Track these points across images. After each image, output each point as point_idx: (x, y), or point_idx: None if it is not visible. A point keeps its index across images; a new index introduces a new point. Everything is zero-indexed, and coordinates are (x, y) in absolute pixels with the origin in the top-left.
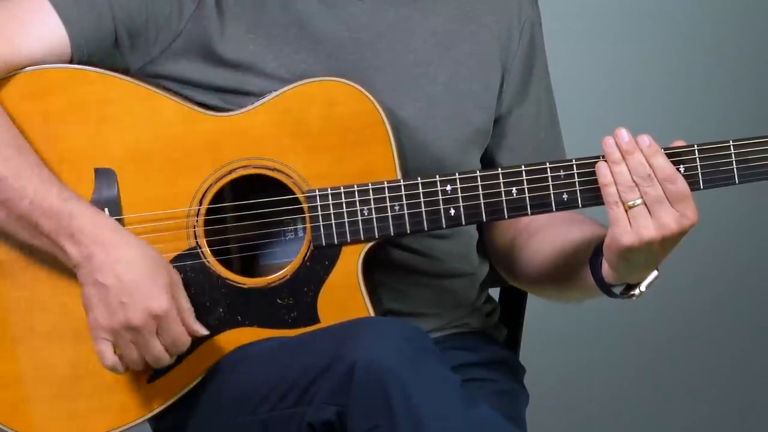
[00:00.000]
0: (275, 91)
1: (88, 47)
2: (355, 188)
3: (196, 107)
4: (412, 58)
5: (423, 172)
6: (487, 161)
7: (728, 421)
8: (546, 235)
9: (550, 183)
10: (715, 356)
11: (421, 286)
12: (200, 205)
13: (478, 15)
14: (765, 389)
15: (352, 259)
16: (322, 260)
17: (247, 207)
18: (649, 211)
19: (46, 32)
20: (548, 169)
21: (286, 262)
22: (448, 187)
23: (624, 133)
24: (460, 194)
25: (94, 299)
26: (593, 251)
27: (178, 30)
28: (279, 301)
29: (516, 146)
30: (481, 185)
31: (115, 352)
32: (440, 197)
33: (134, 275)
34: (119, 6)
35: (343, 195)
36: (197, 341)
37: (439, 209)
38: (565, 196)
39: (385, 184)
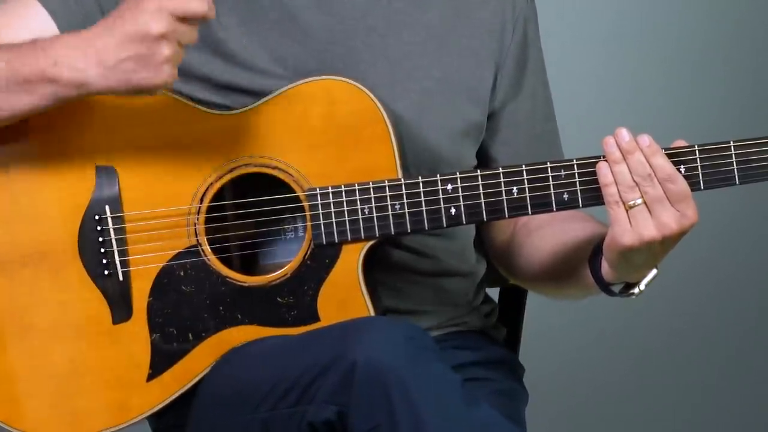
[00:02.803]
0: (271, 89)
1: None
2: (356, 187)
3: (197, 105)
4: (406, 51)
5: (417, 165)
6: (483, 155)
7: (728, 421)
8: (546, 233)
9: (551, 182)
10: (716, 356)
11: (419, 284)
12: (201, 203)
13: (472, 9)
14: (765, 388)
15: (352, 258)
16: (322, 259)
17: (248, 205)
18: (649, 210)
19: (36, 29)
20: (549, 169)
21: (287, 260)
22: (449, 186)
23: (624, 133)
24: (460, 193)
25: (131, 66)
26: (593, 250)
27: None
28: (279, 299)
29: (510, 140)
30: (482, 184)
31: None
32: (441, 196)
33: (124, 28)
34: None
35: (343, 193)
36: (205, 332)
37: (440, 208)
38: (565, 195)
39: (386, 183)
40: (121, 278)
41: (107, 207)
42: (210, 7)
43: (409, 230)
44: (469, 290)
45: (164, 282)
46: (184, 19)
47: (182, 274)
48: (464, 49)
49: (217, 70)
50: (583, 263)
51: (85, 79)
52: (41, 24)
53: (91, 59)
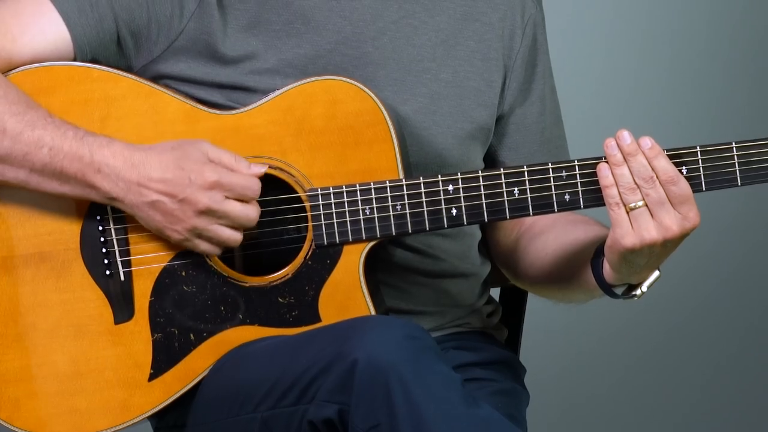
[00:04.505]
0: (278, 89)
1: (91, 47)
2: (357, 187)
3: (199, 105)
4: (415, 53)
5: (424, 167)
6: (490, 159)
7: (728, 421)
8: (549, 236)
9: (552, 183)
10: (716, 357)
11: (422, 285)
12: None
13: (482, 13)
14: (765, 388)
15: (353, 259)
16: (323, 259)
17: None
18: (650, 212)
19: (50, 31)
20: (550, 170)
21: (288, 260)
22: (450, 187)
23: (626, 135)
24: (462, 194)
25: (157, 218)
26: (594, 252)
27: (180, 29)
28: (280, 299)
29: (518, 145)
30: (483, 185)
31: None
32: (442, 197)
33: (171, 172)
34: (121, 6)
35: (345, 194)
36: (206, 332)
37: (441, 209)
38: (567, 196)
39: (387, 184)
40: (122, 278)
41: (109, 207)
42: (258, 190)
43: (410, 231)
44: (473, 291)
45: (166, 282)
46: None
47: (183, 274)
48: (473, 53)
49: (222, 74)
50: (585, 265)
51: (121, 197)
52: (54, 29)
53: (133, 185)
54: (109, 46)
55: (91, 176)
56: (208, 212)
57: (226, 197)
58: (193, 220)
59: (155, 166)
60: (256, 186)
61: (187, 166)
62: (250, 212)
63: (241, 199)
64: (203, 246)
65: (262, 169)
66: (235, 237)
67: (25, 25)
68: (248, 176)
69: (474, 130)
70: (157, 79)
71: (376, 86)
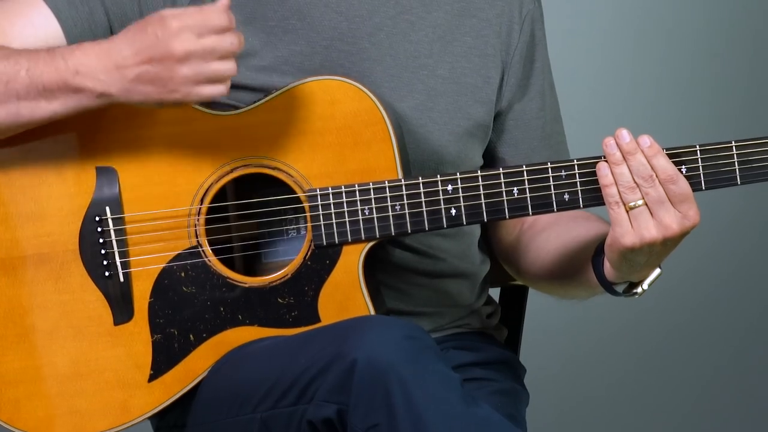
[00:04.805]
0: (275, 88)
1: (83, 40)
2: (356, 187)
3: (197, 106)
4: (412, 50)
5: (422, 164)
6: (489, 156)
7: (728, 421)
8: (551, 233)
9: (552, 183)
10: (716, 356)
11: (422, 285)
12: (201, 204)
13: (479, 9)
14: (765, 388)
15: (353, 259)
16: (322, 259)
17: (248, 206)
18: (650, 211)
19: (40, 25)
20: (549, 169)
21: (287, 261)
22: (449, 187)
23: (625, 134)
24: (461, 194)
25: (149, 90)
26: (595, 250)
27: None
28: (279, 300)
29: (518, 141)
30: (482, 185)
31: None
32: (441, 197)
33: (139, 42)
34: (112, 0)
35: (344, 194)
36: (206, 333)
37: (440, 209)
38: (566, 196)
39: (386, 184)
40: (121, 279)
41: (107, 208)
42: (230, 20)
43: (409, 231)
44: (472, 291)
45: (165, 283)
46: (210, 34)
47: (183, 275)
48: (471, 49)
49: None
50: (586, 263)
51: (108, 89)
52: (45, 23)
53: (112, 72)
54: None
55: (71, 80)
56: (189, 56)
57: (200, 35)
58: (181, 69)
59: (124, 45)
60: (223, 14)
61: (149, 28)
62: (228, 38)
63: (215, 32)
64: (207, 90)
65: (225, 1)
66: (229, 66)
67: (15, 18)
68: (212, 9)
69: (471, 127)
70: None
71: (372, 83)
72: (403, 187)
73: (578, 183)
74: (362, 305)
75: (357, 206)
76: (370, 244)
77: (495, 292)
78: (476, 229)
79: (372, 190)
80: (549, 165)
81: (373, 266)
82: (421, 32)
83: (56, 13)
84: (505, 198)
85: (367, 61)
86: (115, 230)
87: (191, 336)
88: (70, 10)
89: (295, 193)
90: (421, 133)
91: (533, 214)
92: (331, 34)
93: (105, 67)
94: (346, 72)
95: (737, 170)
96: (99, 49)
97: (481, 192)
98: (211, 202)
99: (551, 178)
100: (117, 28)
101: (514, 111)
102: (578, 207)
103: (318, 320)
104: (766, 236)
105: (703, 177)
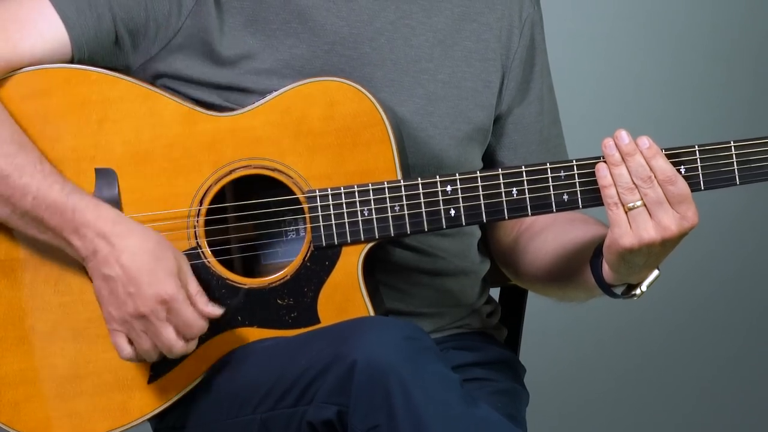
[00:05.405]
0: (275, 90)
1: (89, 46)
2: (356, 188)
3: (196, 107)
4: (413, 54)
5: (422, 169)
6: (489, 160)
7: (728, 421)
8: (549, 235)
9: (551, 184)
10: (716, 357)
11: (422, 285)
12: (200, 206)
13: (479, 13)
14: (764, 387)
15: (352, 260)
16: (322, 261)
17: (248, 207)
18: (649, 212)
19: (47, 32)
20: (548, 170)
21: (287, 262)
22: (449, 188)
23: (624, 135)
24: (460, 195)
25: (104, 292)
26: (593, 252)
27: (177, 26)
28: (279, 301)
29: (517, 145)
30: (482, 186)
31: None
32: (440, 198)
33: (139, 264)
34: (119, 5)
35: (343, 195)
36: (205, 334)
37: (439, 210)
38: (565, 196)
39: (385, 185)
40: None
41: None
42: (175, 353)
43: (408, 232)
44: (472, 291)
45: None
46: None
47: None
48: (471, 53)
49: (218, 74)
50: (585, 265)
51: (88, 260)
52: (54, 30)
53: (101, 255)
54: (106, 45)
55: (68, 234)
56: (144, 320)
57: (168, 319)
58: (129, 317)
59: (129, 250)
60: (199, 328)
61: (155, 268)
62: (177, 347)
63: (181, 333)
64: (138, 343)
65: (218, 312)
66: (154, 353)
67: (23, 25)
68: (199, 316)
69: (471, 131)
70: (155, 77)
71: (373, 87)
72: (402, 188)
73: (577, 184)
74: (362, 306)
75: (356, 207)
76: (370, 245)
77: (495, 292)
78: (476, 230)
79: (371, 191)
80: (548, 166)
81: (372, 266)
82: (421, 37)
83: (64, 20)
84: (504, 199)
85: (368, 66)
86: None
87: None
88: (78, 18)
89: (295, 195)
90: (422, 138)
91: (532, 214)
92: (333, 38)
93: (99, 248)
94: (346, 76)
95: (736, 170)
96: (110, 229)
97: (480, 193)
98: (211, 204)
99: (550, 179)
100: (123, 33)
101: (514, 115)
102: (577, 208)
103: (317, 321)
104: (766, 236)
105: (702, 177)
